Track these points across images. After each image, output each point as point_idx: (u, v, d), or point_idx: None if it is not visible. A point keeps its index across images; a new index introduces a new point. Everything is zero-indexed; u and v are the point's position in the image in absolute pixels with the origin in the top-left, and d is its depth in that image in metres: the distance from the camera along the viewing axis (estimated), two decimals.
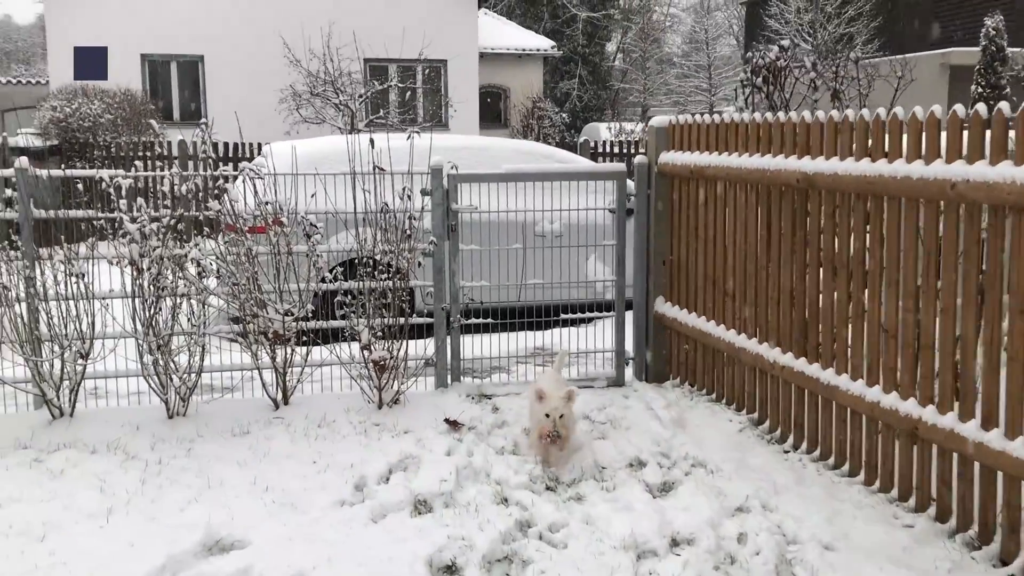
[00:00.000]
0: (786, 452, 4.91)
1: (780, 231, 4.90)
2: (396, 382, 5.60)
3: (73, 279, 5.16)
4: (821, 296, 4.63)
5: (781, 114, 4.90)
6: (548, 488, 4.53)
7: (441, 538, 3.95)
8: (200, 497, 4.32)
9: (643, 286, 6.19)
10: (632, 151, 15.46)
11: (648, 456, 4.89)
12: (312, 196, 5.61)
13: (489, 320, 6.21)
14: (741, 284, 5.27)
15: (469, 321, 6.06)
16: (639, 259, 6.17)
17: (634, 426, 5.35)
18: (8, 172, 5.46)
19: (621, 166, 6.29)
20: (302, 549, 3.85)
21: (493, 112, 24.21)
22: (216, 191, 5.48)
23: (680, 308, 5.92)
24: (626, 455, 4.91)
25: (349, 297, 5.62)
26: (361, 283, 5.54)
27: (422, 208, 5.74)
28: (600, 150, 15.50)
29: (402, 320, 5.60)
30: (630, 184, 6.20)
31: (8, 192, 5.38)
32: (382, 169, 5.52)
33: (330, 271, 5.81)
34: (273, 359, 5.48)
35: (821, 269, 4.62)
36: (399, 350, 5.55)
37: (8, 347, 5.23)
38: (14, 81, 24.88)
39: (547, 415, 4.63)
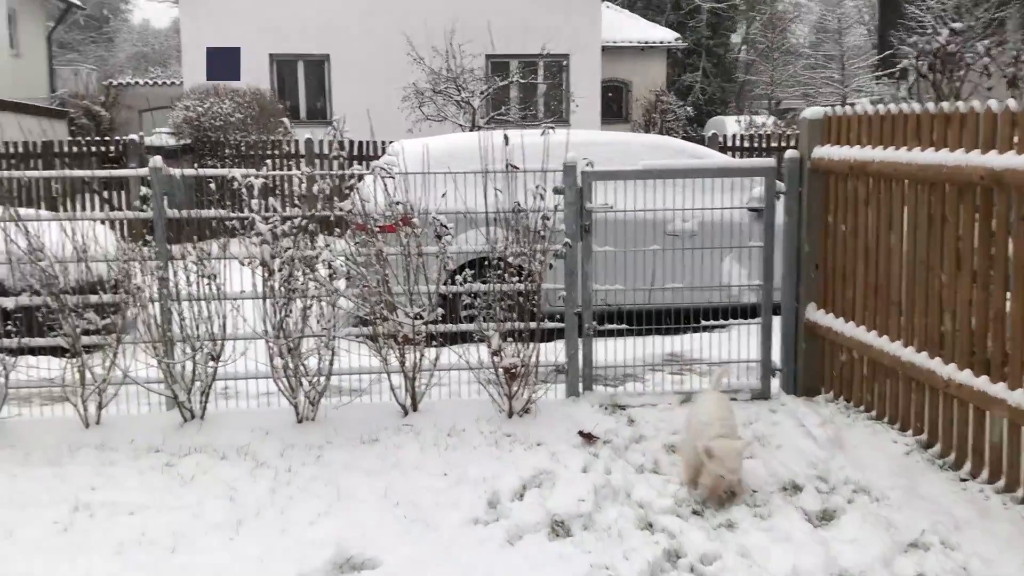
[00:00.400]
0: (963, 480, 4.40)
1: (958, 233, 4.40)
2: (527, 390, 5.34)
3: (205, 280, 5.09)
4: (1009, 307, 4.11)
5: (961, 104, 4.39)
6: (695, 513, 4.17)
7: (583, 567, 3.66)
8: (330, 510, 4.16)
9: (792, 291, 5.73)
10: (764, 145, 14.81)
11: (804, 479, 4.47)
12: (443, 196, 5.40)
13: (623, 326, 5.89)
14: (909, 292, 4.78)
15: (603, 327, 5.74)
16: (788, 262, 5.72)
17: (785, 445, 4.93)
18: (143, 171, 5.46)
19: (770, 161, 5.85)
20: (435, 572, 3.63)
21: (614, 107, 23.77)
22: (347, 190, 5.33)
23: (835, 316, 5.44)
24: (779, 477, 4.50)
25: (476, 299, 5.40)
26: (492, 285, 5.30)
27: (555, 207, 5.46)
28: (728, 144, 14.89)
29: (533, 325, 5.33)
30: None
31: (143, 190, 5.37)
32: (515, 167, 5.26)
33: (458, 271, 5.58)
34: (402, 363, 5.31)
35: (1009, 277, 4.10)
36: (530, 357, 5.29)
37: (142, 348, 5.22)
38: (151, 82, 25.90)
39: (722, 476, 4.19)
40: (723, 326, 6.33)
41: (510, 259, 5.29)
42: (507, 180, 5.30)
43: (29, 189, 12.18)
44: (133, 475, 4.52)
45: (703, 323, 6.15)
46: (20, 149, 13.34)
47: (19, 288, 5.21)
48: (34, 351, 5.37)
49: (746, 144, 15.07)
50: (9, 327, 5.18)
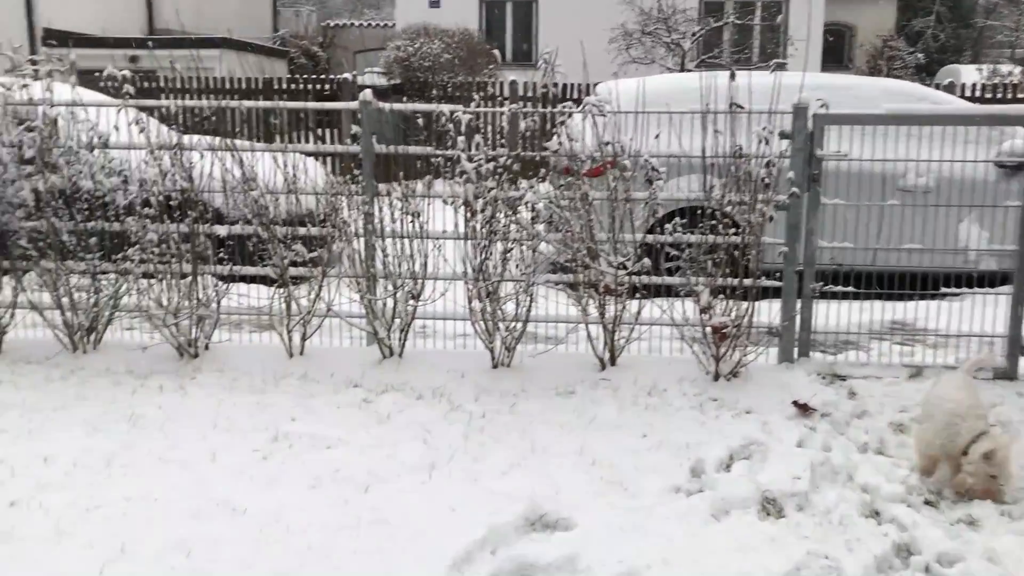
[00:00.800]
0: None
1: None
2: (736, 352, 4.94)
3: (409, 217, 5.00)
4: None
5: None
6: (928, 503, 3.68)
7: (799, 553, 3.28)
8: (523, 462, 3.98)
9: None
10: (1010, 96, 13.31)
11: None
12: (656, 137, 5.03)
13: (848, 288, 5.34)
14: None
15: (825, 288, 5.22)
16: None
17: None
18: (353, 105, 5.42)
19: None
20: (633, 542, 3.37)
21: (835, 52, 22.22)
22: (553, 129, 5.07)
23: None
24: None
25: (684, 251, 5.02)
26: (704, 237, 4.91)
27: (780, 154, 4.97)
28: (968, 95, 13.46)
29: (748, 282, 4.91)
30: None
31: (354, 128, 5.33)
32: (740, 107, 4.81)
33: (667, 219, 5.20)
34: (602, 314, 5.04)
35: None
36: (744, 317, 4.88)
37: (345, 282, 5.22)
38: (365, 24, 26.63)
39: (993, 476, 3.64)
40: (958, 294, 5.65)
41: (727, 209, 4.87)
42: (728, 123, 4.86)
43: (249, 122, 12.73)
44: (332, 409, 4.52)
45: (940, 290, 5.49)
46: (243, 85, 13.98)
47: (234, 217, 5.32)
48: (245, 279, 5.50)
49: (987, 95, 13.61)
50: (222, 254, 5.30)
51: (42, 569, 3.10)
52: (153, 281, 5.17)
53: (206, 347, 5.26)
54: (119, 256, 5.14)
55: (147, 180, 5.11)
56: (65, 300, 5.19)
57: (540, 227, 5.06)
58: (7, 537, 3.31)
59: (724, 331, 4.85)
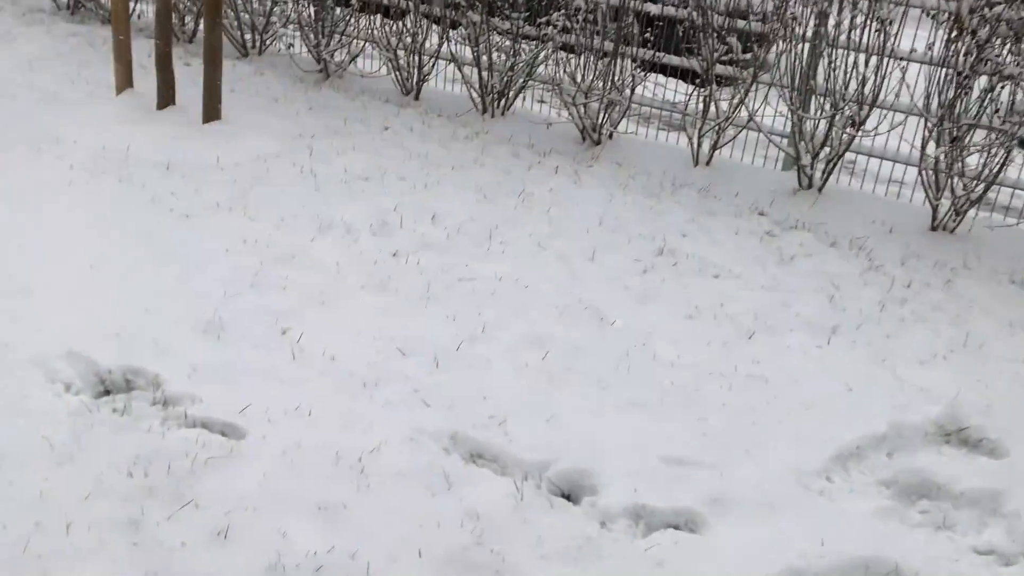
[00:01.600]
0: None
1: None
2: None
3: (875, 25, 4.07)
4: None
5: None
6: None
7: None
8: (950, 355, 3.20)
9: None
10: None
11: None
12: None
13: None
14: None
15: None
16: None
17: None
18: None
19: None
20: None
21: None
22: None
23: None
24: None
25: None
26: None
27: None
28: None
29: None
30: None
31: None
32: None
33: None
34: None
35: None
36: None
37: (776, 92, 4.48)
38: None
39: None
40: None
41: None
42: None
43: None
44: (728, 234, 3.97)
45: None
46: None
47: None
48: (665, 70, 4.96)
49: None
50: (648, 36, 4.76)
51: (403, 327, 3.00)
52: (571, 56, 4.81)
53: (610, 136, 4.89)
54: (542, 21, 4.80)
55: None
56: (484, 59, 5.02)
57: None
58: (382, 287, 3.27)
59: None
